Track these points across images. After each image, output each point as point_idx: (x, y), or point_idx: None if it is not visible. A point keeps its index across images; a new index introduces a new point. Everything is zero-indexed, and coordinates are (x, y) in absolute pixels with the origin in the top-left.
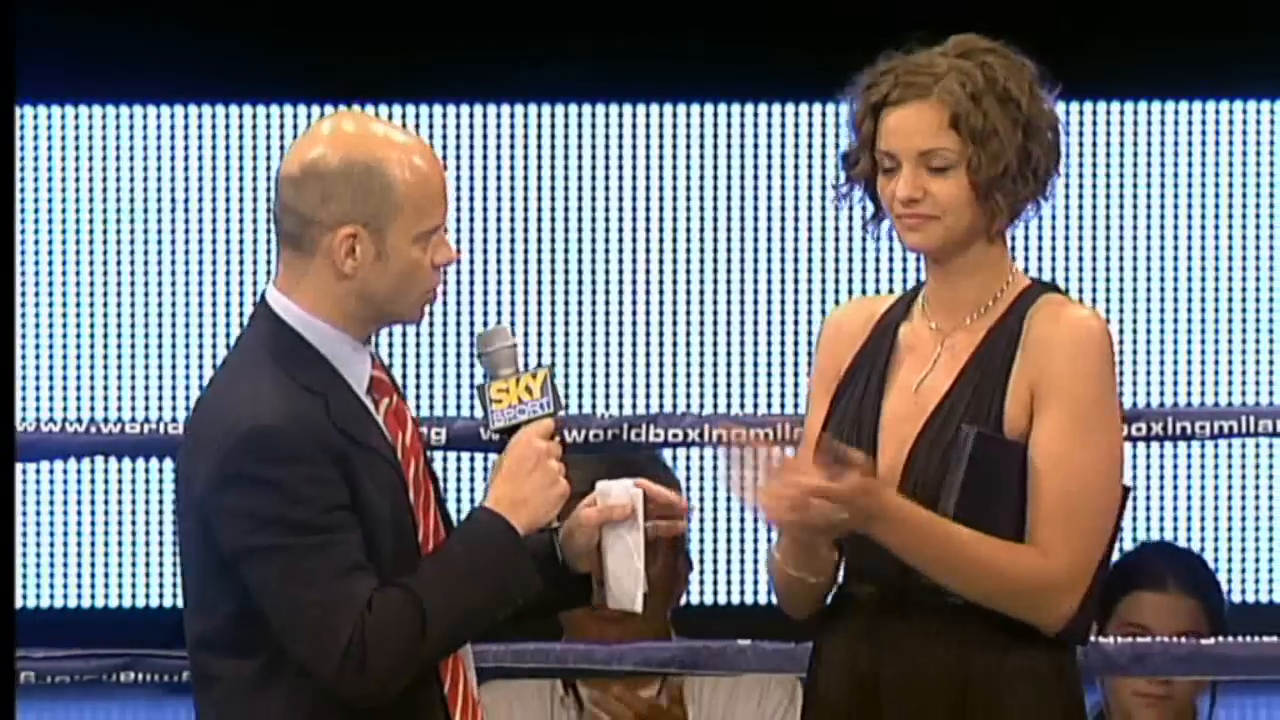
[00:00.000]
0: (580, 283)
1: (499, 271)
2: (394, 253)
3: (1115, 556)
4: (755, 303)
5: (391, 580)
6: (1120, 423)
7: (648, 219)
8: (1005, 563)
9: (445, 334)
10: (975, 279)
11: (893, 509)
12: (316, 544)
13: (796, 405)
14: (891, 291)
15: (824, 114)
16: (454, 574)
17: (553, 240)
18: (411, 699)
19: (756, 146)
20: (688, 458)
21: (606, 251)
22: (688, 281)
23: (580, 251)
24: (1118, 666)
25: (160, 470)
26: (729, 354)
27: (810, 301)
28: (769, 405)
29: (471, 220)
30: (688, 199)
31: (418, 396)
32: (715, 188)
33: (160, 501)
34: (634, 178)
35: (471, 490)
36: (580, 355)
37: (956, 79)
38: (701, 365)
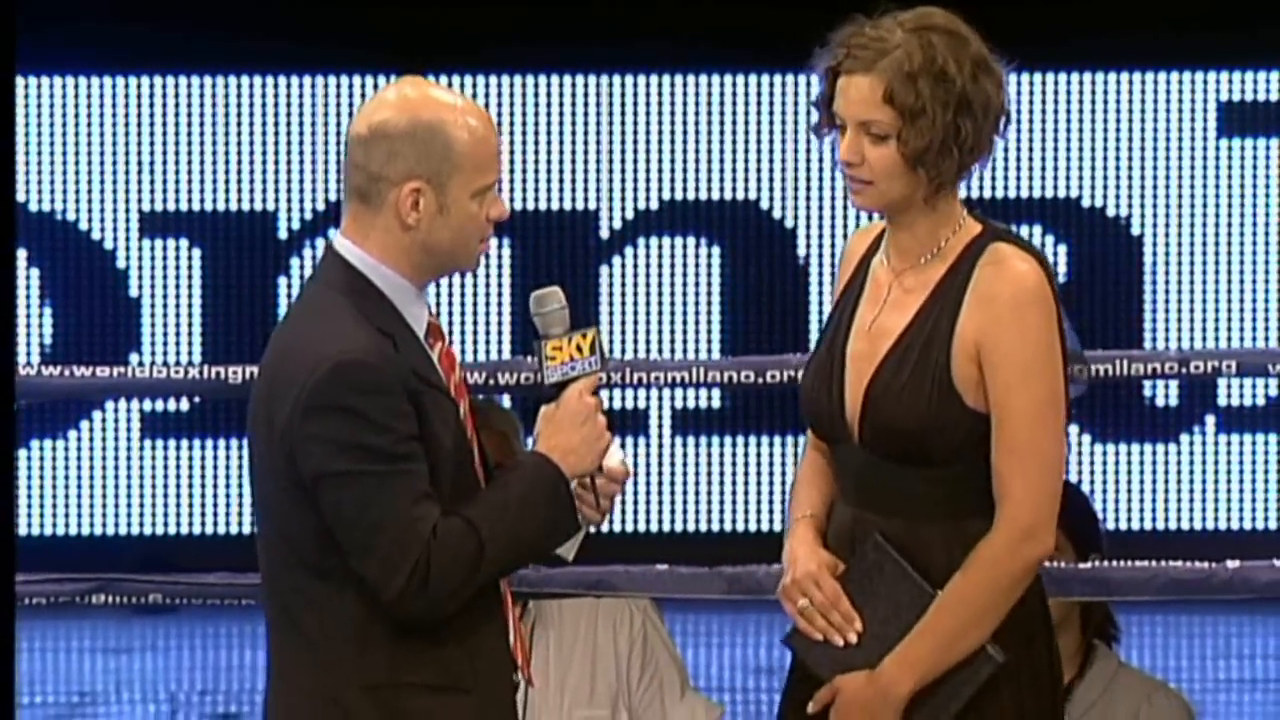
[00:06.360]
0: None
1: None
2: (454, 206)
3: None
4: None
5: (453, 510)
6: (1061, 365)
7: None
8: (986, 585)
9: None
10: (923, 226)
11: (891, 683)
12: (392, 471)
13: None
14: None
15: None
16: (509, 512)
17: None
18: (477, 608)
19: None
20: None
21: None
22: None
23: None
24: None
25: (129, 411)
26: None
27: None
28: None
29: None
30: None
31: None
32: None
33: (129, 440)
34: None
35: None
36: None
37: (899, 55)
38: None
